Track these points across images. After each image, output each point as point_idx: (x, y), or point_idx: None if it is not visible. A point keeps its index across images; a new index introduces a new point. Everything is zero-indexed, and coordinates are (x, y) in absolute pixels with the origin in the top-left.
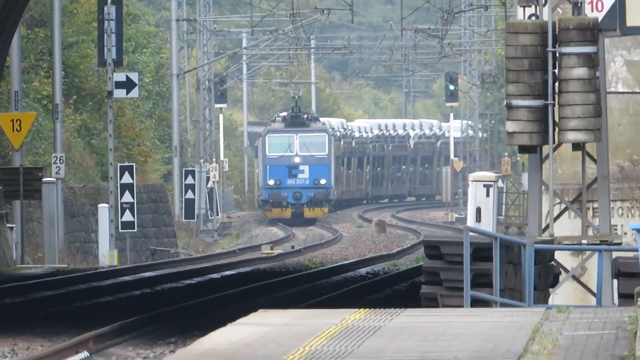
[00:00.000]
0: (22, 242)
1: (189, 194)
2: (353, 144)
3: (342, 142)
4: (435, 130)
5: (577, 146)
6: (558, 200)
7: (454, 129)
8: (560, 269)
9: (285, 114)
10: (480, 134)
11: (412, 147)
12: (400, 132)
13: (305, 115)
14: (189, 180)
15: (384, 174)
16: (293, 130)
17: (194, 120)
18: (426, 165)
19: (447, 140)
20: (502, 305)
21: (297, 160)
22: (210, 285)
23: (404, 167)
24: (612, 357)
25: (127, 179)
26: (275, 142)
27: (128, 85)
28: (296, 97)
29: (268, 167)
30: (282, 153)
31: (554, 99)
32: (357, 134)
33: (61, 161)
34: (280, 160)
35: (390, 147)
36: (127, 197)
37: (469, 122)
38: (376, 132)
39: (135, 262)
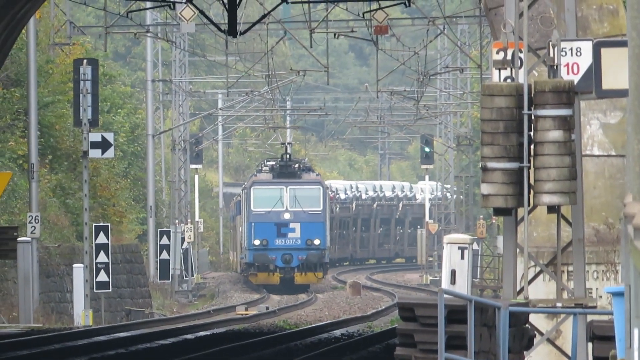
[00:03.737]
0: None
1: (164, 255)
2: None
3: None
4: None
5: (552, 209)
6: (533, 263)
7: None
8: (535, 332)
9: (273, 163)
10: (454, 196)
11: (400, 208)
12: (388, 193)
13: (297, 165)
14: (164, 240)
15: (370, 236)
16: (282, 182)
17: (169, 180)
18: (418, 226)
19: (436, 203)
20: None
21: (287, 216)
22: (185, 346)
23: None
24: None
25: (102, 239)
26: (261, 196)
27: (103, 145)
28: (286, 144)
29: (253, 224)
30: (269, 208)
31: (529, 162)
32: (342, 196)
33: (36, 221)
34: (267, 217)
35: (376, 208)
36: (102, 257)
37: (445, 185)
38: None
39: (110, 322)
